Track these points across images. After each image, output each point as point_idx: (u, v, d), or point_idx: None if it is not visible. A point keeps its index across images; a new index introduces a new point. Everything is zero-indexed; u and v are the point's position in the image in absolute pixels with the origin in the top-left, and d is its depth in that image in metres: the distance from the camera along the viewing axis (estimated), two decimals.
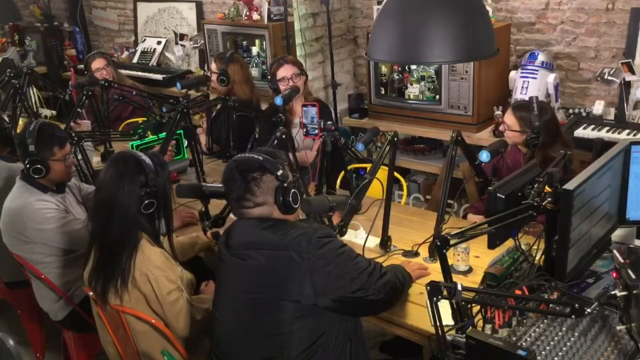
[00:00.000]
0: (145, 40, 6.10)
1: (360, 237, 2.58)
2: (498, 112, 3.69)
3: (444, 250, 1.83)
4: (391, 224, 2.53)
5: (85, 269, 2.26)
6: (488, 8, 3.59)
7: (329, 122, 2.81)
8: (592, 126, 3.52)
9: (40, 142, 2.63)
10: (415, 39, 1.95)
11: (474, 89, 3.76)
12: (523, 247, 2.13)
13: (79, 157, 3.16)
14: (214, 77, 3.94)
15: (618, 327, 1.76)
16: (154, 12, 6.11)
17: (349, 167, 3.15)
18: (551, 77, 3.68)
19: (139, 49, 6.06)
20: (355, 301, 1.91)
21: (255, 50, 4.89)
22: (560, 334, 1.84)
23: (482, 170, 2.69)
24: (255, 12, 4.73)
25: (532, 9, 4.04)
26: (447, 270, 1.88)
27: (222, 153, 3.70)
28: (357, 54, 5.02)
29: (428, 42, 1.94)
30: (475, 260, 2.38)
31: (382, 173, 2.48)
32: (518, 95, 3.68)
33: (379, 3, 4.19)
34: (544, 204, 1.92)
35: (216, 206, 2.70)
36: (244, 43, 5.02)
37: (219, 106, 3.78)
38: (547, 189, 1.95)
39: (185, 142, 3.24)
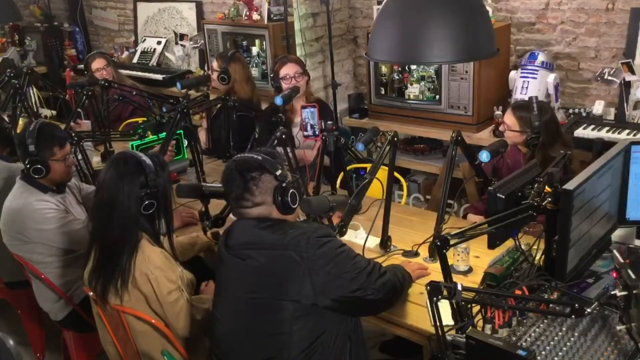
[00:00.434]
0: (145, 40, 6.10)
1: (360, 237, 2.58)
2: (498, 112, 3.69)
3: (444, 250, 1.83)
4: (391, 224, 2.53)
5: (85, 269, 2.26)
6: (488, 8, 3.58)
7: (329, 122, 2.81)
8: (592, 126, 3.52)
9: (40, 142, 2.63)
10: (415, 39, 1.95)
11: (474, 89, 3.76)
12: (523, 247, 2.13)
13: (79, 157, 3.16)
14: (214, 76, 3.95)
15: (618, 327, 1.76)
16: (154, 12, 6.11)
17: (348, 167, 3.15)
18: (551, 77, 3.68)
19: (139, 49, 6.06)
20: (355, 301, 1.91)
21: (255, 50, 4.89)
22: (560, 334, 1.84)
23: (482, 170, 2.69)
24: (255, 12, 4.73)
25: (532, 9, 4.04)
26: (447, 270, 1.88)
27: (222, 153, 3.70)
28: (357, 54, 5.02)
29: (428, 42, 1.94)
30: (475, 260, 2.38)
31: (382, 173, 2.48)
32: (518, 95, 3.68)
33: (379, 3, 4.19)
34: (544, 204, 1.92)
35: (216, 206, 2.70)
36: (244, 43, 5.02)
37: (219, 106, 3.78)
38: (547, 189, 1.95)
39: (185, 142, 3.24)
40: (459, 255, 2.34)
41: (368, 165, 2.70)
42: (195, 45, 5.59)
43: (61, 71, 6.32)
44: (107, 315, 2.28)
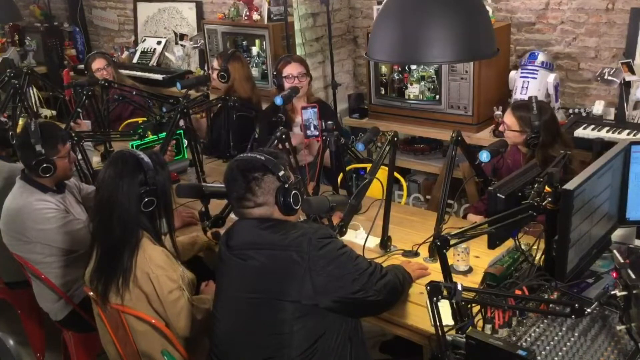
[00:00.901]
0: (145, 40, 6.10)
1: (360, 237, 2.58)
2: (498, 112, 3.69)
3: (444, 250, 1.83)
4: (391, 224, 2.53)
5: (87, 269, 2.26)
6: (488, 8, 3.58)
7: (329, 122, 2.81)
8: (592, 126, 3.52)
9: (45, 141, 2.64)
10: (415, 39, 1.95)
11: (474, 89, 3.76)
12: (523, 247, 2.13)
13: (79, 157, 3.16)
14: (214, 75, 3.96)
15: (618, 327, 1.76)
16: (154, 12, 6.11)
17: (348, 167, 3.15)
18: (551, 77, 3.68)
19: (139, 49, 6.06)
20: (356, 302, 1.91)
21: (255, 50, 4.89)
22: (560, 334, 1.84)
23: (482, 170, 2.69)
24: (255, 12, 4.73)
25: (532, 9, 4.04)
26: (447, 270, 1.88)
27: (222, 153, 3.70)
28: (357, 54, 5.02)
29: (428, 42, 1.94)
30: (475, 260, 2.38)
31: (382, 173, 2.48)
32: (518, 95, 3.68)
33: (379, 3, 4.19)
34: (544, 204, 1.92)
35: (216, 206, 2.70)
36: (244, 43, 5.02)
37: (219, 105, 3.78)
38: (547, 189, 1.95)
39: (185, 142, 3.24)
40: (459, 255, 2.34)
41: (368, 165, 2.70)
42: (195, 45, 5.59)
43: (61, 71, 6.32)
44: (107, 315, 2.28)
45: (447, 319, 1.81)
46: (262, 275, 1.92)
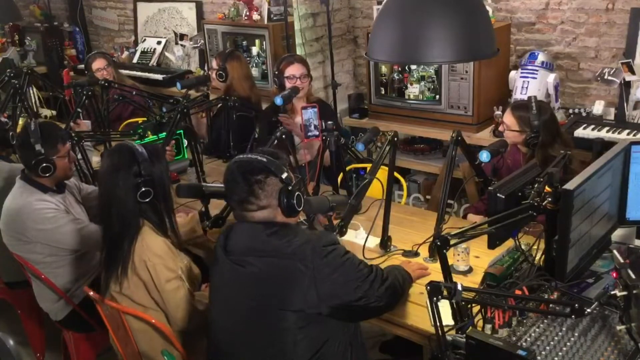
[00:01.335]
0: (145, 40, 6.10)
1: (360, 237, 2.58)
2: (498, 112, 3.69)
3: (444, 250, 1.83)
4: (391, 224, 2.53)
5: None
6: (488, 8, 3.58)
7: (329, 122, 2.81)
8: (592, 126, 3.52)
9: (45, 141, 2.65)
10: (415, 39, 1.95)
11: (474, 89, 3.76)
12: (523, 247, 2.13)
13: (79, 156, 3.16)
14: (214, 75, 3.96)
15: (618, 327, 1.76)
16: (154, 12, 6.11)
17: (348, 167, 3.15)
18: (551, 77, 3.68)
19: (139, 49, 6.05)
20: (358, 308, 1.90)
21: (255, 50, 4.89)
22: (560, 334, 1.84)
23: (482, 170, 2.69)
24: (255, 12, 4.73)
25: (532, 9, 4.04)
26: (447, 270, 1.88)
27: (222, 153, 3.70)
28: (357, 54, 5.02)
29: (428, 42, 1.94)
30: (475, 260, 2.38)
31: (382, 173, 2.48)
32: (518, 95, 3.68)
33: (379, 3, 4.19)
34: (544, 204, 1.92)
35: (216, 206, 2.70)
36: (244, 43, 5.02)
37: (219, 105, 3.78)
38: (547, 189, 1.95)
39: (185, 142, 3.24)
40: (459, 255, 2.34)
41: (368, 165, 2.70)
42: (195, 45, 5.59)
43: (61, 71, 6.32)
44: (108, 316, 2.28)
45: (447, 319, 1.81)
46: (263, 283, 1.89)
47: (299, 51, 4.57)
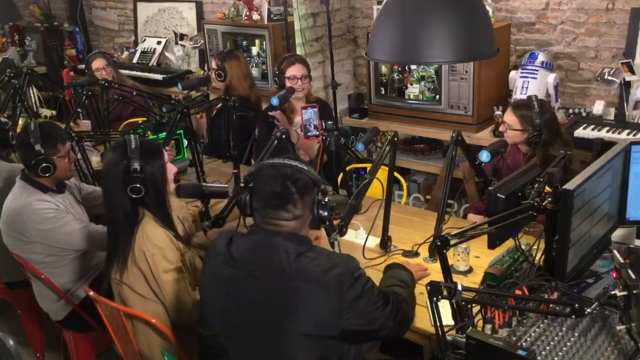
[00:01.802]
0: (145, 40, 6.10)
1: (360, 237, 2.58)
2: (498, 112, 3.69)
3: (444, 250, 1.83)
4: (391, 224, 2.53)
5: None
6: (488, 8, 3.58)
7: (329, 122, 2.81)
8: (592, 126, 3.52)
9: (44, 141, 2.65)
10: (415, 39, 1.95)
11: (474, 89, 3.76)
12: (523, 247, 2.13)
13: (79, 156, 3.16)
14: (213, 75, 3.96)
15: (618, 327, 1.76)
16: (154, 12, 6.11)
17: (348, 167, 3.15)
18: (551, 77, 3.68)
19: (139, 49, 6.06)
20: (370, 335, 1.89)
21: (255, 50, 4.89)
22: (560, 334, 1.84)
23: (482, 170, 2.69)
24: (255, 12, 4.73)
25: (532, 9, 4.04)
26: (447, 270, 1.88)
27: (222, 153, 3.70)
28: (357, 54, 5.02)
29: (428, 42, 1.94)
30: (476, 260, 2.38)
31: (382, 173, 2.48)
32: (518, 95, 3.68)
33: (379, 3, 4.19)
34: (544, 204, 1.92)
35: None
36: (244, 43, 5.02)
37: (219, 105, 3.78)
38: (547, 189, 1.95)
39: (185, 142, 3.24)
40: (459, 255, 2.34)
41: (368, 165, 2.70)
42: (195, 45, 5.59)
43: (61, 71, 6.32)
44: (107, 315, 2.28)
45: (447, 319, 1.81)
46: (274, 300, 1.80)
47: (299, 51, 4.57)
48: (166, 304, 2.23)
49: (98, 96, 3.84)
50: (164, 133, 3.16)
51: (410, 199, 4.11)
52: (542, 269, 2.05)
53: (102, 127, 3.75)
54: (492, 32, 2.08)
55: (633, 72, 3.55)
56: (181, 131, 3.20)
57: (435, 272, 2.30)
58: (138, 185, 2.19)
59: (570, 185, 1.84)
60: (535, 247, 2.13)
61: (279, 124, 3.31)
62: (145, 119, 3.79)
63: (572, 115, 3.75)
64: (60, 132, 2.81)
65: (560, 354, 1.75)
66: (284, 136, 2.80)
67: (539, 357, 1.72)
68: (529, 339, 1.81)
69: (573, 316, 1.65)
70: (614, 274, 1.75)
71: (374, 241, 2.55)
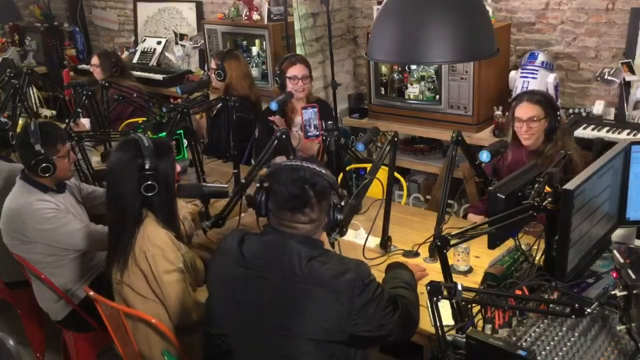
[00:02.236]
0: (145, 40, 6.10)
1: (360, 237, 2.58)
2: (498, 112, 3.69)
3: (444, 250, 1.83)
4: (391, 224, 2.53)
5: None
6: (488, 8, 3.59)
7: (329, 122, 2.81)
8: (592, 126, 3.52)
9: (44, 141, 2.65)
10: (415, 39, 1.95)
11: (474, 89, 3.76)
12: (523, 247, 2.13)
13: (79, 156, 3.16)
14: (213, 75, 3.97)
15: (618, 327, 1.76)
16: (154, 12, 6.11)
17: (348, 167, 3.15)
18: (551, 77, 3.68)
19: (139, 49, 6.05)
20: (378, 340, 1.89)
21: (255, 50, 4.89)
22: (560, 334, 1.84)
23: (482, 170, 2.69)
24: (255, 12, 4.73)
25: (532, 9, 4.05)
26: (447, 270, 1.88)
27: (222, 153, 3.70)
28: (357, 54, 5.02)
29: (428, 42, 1.94)
30: (476, 260, 2.38)
31: (382, 173, 2.48)
32: None
33: (379, 3, 4.19)
34: (544, 204, 1.92)
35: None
36: (244, 43, 5.02)
37: (219, 105, 3.78)
38: (547, 189, 1.95)
39: (185, 142, 3.24)
40: (459, 255, 2.34)
41: (368, 165, 2.70)
42: (195, 45, 5.59)
43: (61, 71, 6.32)
44: (107, 315, 2.28)
45: (447, 319, 1.81)
46: (284, 303, 1.79)
47: (299, 51, 4.57)
48: (166, 305, 2.23)
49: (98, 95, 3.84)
50: (164, 133, 3.16)
51: (410, 199, 4.11)
52: (542, 269, 2.05)
53: (102, 127, 3.75)
54: (492, 32, 2.08)
55: (633, 72, 3.55)
56: (181, 131, 3.20)
57: (435, 272, 2.30)
58: (153, 183, 2.19)
59: (570, 185, 1.84)
60: (535, 247, 2.13)
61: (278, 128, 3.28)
62: (145, 118, 3.79)
63: (572, 115, 3.75)
64: (60, 132, 2.81)
65: (560, 354, 1.75)
66: (284, 136, 2.80)
67: (539, 357, 1.72)
68: (529, 339, 1.81)
69: (573, 316, 1.65)
70: (614, 274, 1.75)
71: (374, 241, 2.55)
